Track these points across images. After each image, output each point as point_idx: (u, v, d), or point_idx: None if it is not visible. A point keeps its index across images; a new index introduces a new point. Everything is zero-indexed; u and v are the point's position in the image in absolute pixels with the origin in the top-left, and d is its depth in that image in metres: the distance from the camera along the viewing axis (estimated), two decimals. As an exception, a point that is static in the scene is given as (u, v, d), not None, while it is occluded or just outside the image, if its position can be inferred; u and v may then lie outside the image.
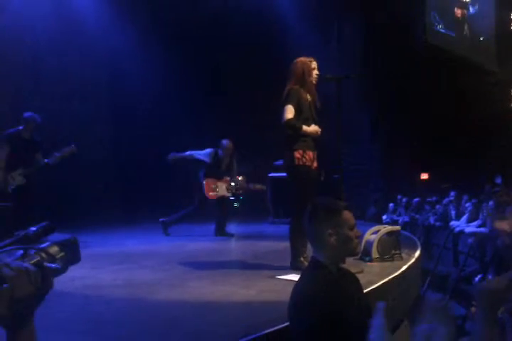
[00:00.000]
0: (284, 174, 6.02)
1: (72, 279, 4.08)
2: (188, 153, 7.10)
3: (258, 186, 7.44)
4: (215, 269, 4.57)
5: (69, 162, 6.54)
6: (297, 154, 4.24)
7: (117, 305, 3.39)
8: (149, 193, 9.91)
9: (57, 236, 0.99)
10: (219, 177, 7.10)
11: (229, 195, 7.19)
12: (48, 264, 0.91)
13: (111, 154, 10.26)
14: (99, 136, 9.91)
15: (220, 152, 7.14)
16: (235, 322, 2.87)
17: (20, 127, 6.08)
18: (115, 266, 4.78)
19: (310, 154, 4.28)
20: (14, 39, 8.20)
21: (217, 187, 7.07)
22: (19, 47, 8.36)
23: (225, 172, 7.17)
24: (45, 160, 6.00)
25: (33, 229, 0.98)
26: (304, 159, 4.23)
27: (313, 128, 4.31)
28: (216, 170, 7.09)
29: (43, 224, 1.01)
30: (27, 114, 6.09)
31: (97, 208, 9.07)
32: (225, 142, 7.16)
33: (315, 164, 4.36)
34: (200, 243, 6.52)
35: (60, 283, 3.62)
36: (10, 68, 8.11)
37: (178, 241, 6.68)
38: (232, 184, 7.12)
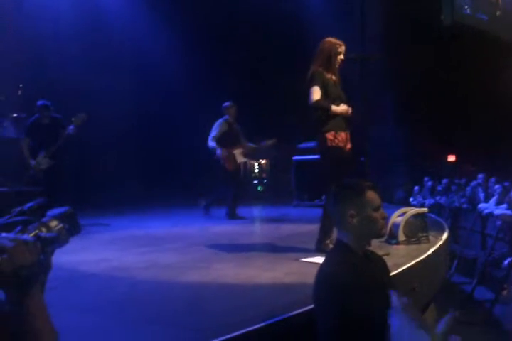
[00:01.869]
0: (308, 157, 5.94)
1: (98, 261, 4.14)
2: (210, 142, 6.96)
3: (270, 142, 7.29)
4: (239, 252, 4.57)
5: (90, 142, 6.63)
6: (329, 135, 4.14)
7: (142, 287, 3.41)
8: (173, 175, 9.96)
9: (55, 210, 1.08)
10: (233, 145, 7.02)
11: (245, 160, 7.16)
12: (44, 234, 1.01)
13: (132, 139, 10.33)
14: (122, 113, 9.95)
15: (226, 117, 7.08)
16: (259, 304, 2.85)
17: (37, 115, 6.39)
18: (140, 249, 4.81)
19: (342, 135, 4.19)
20: (36, 27, 8.24)
21: (233, 156, 7.01)
22: (41, 34, 8.41)
23: (236, 137, 7.09)
24: (66, 133, 6.24)
25: (29, 205, 1.10)
26: (336, 140, 4.14)
27: (342, 107, 4.21)
28: (229, 138, 7.01)
29: (38, 200, 1.12)
30: (40, 102, 6.39)
31: (120, 191, 9.16)
32: (227, 103, 7.12)
33: (348, 145, 4.27)
34: (224, 226, 6.53)
35: (85, 264, 3.68)
36: (32, 54, 8.20)
37: (203, 223, 6.70)
38: (249, 147, 7.12)
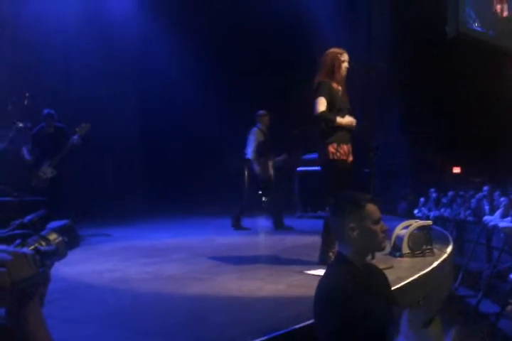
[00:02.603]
0: (312, 168, 5.89)
1: (101, 272, 4.13)
2: (249, 153, 6.86)
3: (284, 156, 7.29)
4: (243, 264, 4.55)
5: (95, 153, 6.64)
6: (331, 148, 4.13)
7: (145, 298, 3.40)
8: (176, 185, 9.96)
9: (54, 223, 1.07)
10: (268, 155, 6.90)
11: (272, 172, 7.02)
12: (44, 247, 1.01)
13: (139, 146, 10.36)
14: (126, 124, 9.97)
15: (259, 125, 6.99)
16: (262, 317, 2.84)
17: (43, 124, 6.47)
18: (143, 260, 4.80)
19: (345, 148, 4.18)
20: (39, 35, 8.30)
21: (268, 166, 6.90)
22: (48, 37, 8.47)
23: (270, 147, 6.97)
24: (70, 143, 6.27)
25: (29, 217, 1.07)
26: (338, 153, 4.13)
27: (347, 119, 4.20)
28: (265, 147, 6.88)
29: (39, 212, 1.10)
30: (45, 111, 6.47)
31: (123, 201, 9.17)
32: (261, 112, 7.02)
33: (350, 158, 4.25)
34: (228, 237, 6.50)
35: (88, 275, 3.67)
36: (40, 58, 8.27)
37: (207, 235, 6.68)
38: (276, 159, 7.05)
